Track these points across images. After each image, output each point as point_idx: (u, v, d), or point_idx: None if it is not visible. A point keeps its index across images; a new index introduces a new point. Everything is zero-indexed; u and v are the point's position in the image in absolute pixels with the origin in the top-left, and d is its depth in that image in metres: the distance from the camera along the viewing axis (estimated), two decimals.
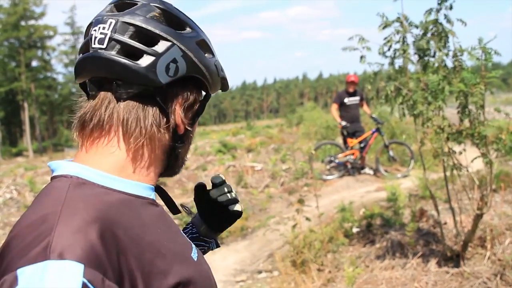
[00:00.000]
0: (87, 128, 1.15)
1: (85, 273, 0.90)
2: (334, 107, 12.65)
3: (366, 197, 10.28)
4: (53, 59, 65.35)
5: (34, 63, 62.57)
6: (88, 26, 1.18)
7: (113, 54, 1.10)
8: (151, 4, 1.16)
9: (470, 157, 4.95)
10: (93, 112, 1.14)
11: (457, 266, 5.34)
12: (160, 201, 1.27)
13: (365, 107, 12.84)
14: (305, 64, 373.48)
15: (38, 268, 0.89)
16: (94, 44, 1.12)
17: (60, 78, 67.80)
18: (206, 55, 1.23)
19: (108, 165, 1.13)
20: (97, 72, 1.14)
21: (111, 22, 1.12)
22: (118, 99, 1.13)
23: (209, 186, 1.71)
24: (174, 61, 1.14)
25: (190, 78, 1.20)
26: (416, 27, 5.16)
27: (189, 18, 1.24)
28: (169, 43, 1.14)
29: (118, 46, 1.11)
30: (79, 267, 0.90)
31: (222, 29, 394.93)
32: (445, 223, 6.39)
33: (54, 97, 66.50)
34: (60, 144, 59.76)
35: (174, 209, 1.45)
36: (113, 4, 1.19)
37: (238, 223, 8.86)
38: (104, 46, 1.11)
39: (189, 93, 1.22)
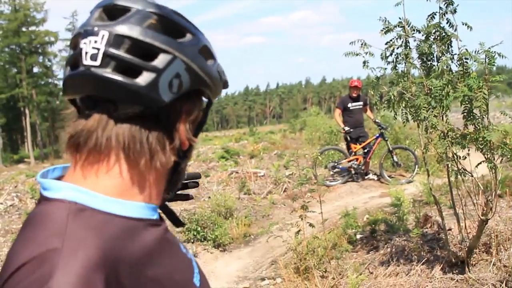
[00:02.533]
0: (82, 151, 1.05)
1: None
2: (338, 113, 12.63)
3: (370, 203, 10.25)
4: (54, 65, 65.16)
5: (35, 69, 62.76)
6: (75, 36, 1.05)
7: (108, 72, 0.98)
8: (146, 10, 1.02)
9: (475, 162, 4.90)
10: (88, 134, 1.02)
11: (462, 272, 5.29)
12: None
13: (368, 112, 12.81)
14: (308, 69, 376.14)
15: None
16: (86, 60, 0.99)
17: (61, 84, 67.60)
18: (208, 62, 1.12)
19: (109, 188, 1.04)
20: (91, 91, 1.02)
21: (103, 35, 0.99)
22: (117, 121, 1.02)
23: None
24: (177, 76, 1.03)
25: (193, 90, 1.09)
26: (419, 31, 5.11)
27: (188, 22, 1.11)
28: (170, 56, 1.02)
29: (113, 63, 0.98)
30: None
31: (224, 34, 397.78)
32: (450, 229, 6.34)
33: (55, 104, 66.45)
34: (62, 151, 59.88)
35: (176, 223, 1.42)
36: (101, 9, 1.05)
37: (241, 229, 8.83)
38: (98, 64, 0.98)
39: (193, 107, 1.12)
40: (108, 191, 1.03)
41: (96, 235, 0.95)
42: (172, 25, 1.05)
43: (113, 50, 0.98)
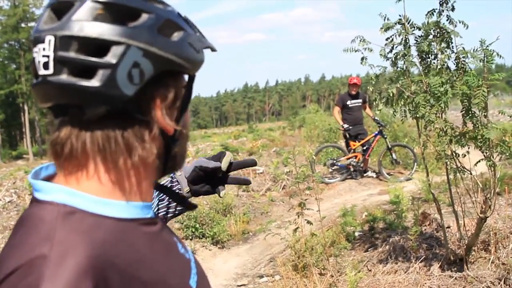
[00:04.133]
0: (60, 158, 1.01)
1: None
2: (337, 110, 12.61)
3: (368, 200, 10.25)
4: None
5: None
6: (30, 41, 1.00)
7: (63, 78, 0.93)
8: (91, 0, 0.95)
9: (474, 159, 4.89)
10: (63, 142, 0.99)
11: (460, 270, 5.29)
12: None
13: (367, 110, 12.80)
14: (308, 66, 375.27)
15: None
16: (40, 70, 0.94)
17: None
18: (174, 36, 1.04)
19: (96, 190, 1.00)
20: (54, 100, 0.97)
21: (49, 40, 0.94)
22: (88, 124, 0.97)
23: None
24: (136, 65, 0.96)
25: (161, 72, 1.01)
26: (419, 29, 5.09)
27: None
28: (122, 47, 0.94)
29: (66, 67, 0.93)
30: None
31: (225, 31, 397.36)
32: (449, 227, 6.33)
33: None
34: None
35: (184, 204, 1.41)
36: (50, 8, 0.99)
37: (239, 226, 8.84)
38: (51, 72, 0.93)
39: (166, 90, 1.05)
40: (96, 192, 1.00)
41: (85, 241, 0.92)
42: (121, 10, 0.98)
43: (62, 54, 0.93)
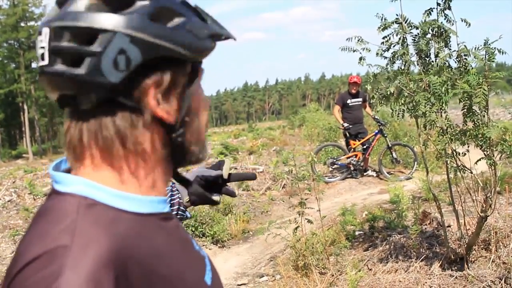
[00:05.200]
0: (68, 150, 1.03)
1: None
2: (337, 109, 12.59)
3: (368, 199, 10.25)
4: None
5: (34, 65, 62.40)
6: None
7: (57, 68, 0.95)
8: None
9: (474, 158, 4.88)
10: (67, 133, 1.02)
11: (461, 269, 5.28)
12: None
13: (368, 109, 12.78)
14: (308, 65, 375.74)
15: None
16: (39, 61, 0.98)
17: None
18: (170, 23, 1.01)
19: (111, 182, 1.00)
20: (55, 91, 1.00)
21: (46, 32, 0.97)
22: (83, 114, 0.99)
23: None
24: (122, 52, 0.95)
25: (155, 59, 0.99)
26: (416, 28, 5.07)
27: None
28: (109, 34, 0.94)
29: (59, 57, 0.95)
30: None
31: None
32: (449, 226, 6.33)
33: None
34: (60, 146, 59.72)
35: (185, 183, 1.47)
36: (56, 2, 1.01)
37: (240, 225, 8.83)
38: (47, 62, 0.96)
39: (161, 77, 1.01)
40: (112, 185, 1.00)
41: (106, 234, 0.92)
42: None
43: (55, 44, 0.95)
